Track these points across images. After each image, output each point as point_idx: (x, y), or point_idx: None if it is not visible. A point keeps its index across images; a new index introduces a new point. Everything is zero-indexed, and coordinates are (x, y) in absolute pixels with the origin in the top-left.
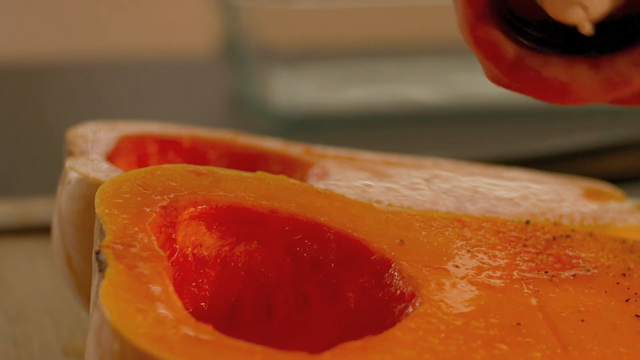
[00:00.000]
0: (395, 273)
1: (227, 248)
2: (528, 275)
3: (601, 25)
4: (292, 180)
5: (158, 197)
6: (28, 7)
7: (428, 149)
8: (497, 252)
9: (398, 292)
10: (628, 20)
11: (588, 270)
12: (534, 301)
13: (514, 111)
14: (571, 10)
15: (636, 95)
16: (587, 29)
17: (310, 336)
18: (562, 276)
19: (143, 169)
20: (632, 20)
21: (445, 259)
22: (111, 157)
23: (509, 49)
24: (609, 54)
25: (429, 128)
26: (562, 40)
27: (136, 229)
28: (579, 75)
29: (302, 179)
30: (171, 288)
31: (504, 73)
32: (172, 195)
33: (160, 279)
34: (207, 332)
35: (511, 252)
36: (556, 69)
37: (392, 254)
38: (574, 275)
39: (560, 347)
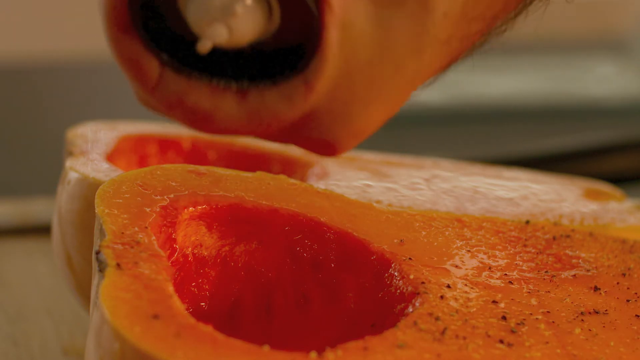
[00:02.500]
0: (395, 273)
1: (227, 248)
2: (528, 275)
3: (255, 54)
4: (292, 180)
5: (158, 197)
6: (28, 7)
7: (428, 149)
8: (497, 252)
9: (398, 292)
10: (281, 52)
11: (588, 270)
12: (534, 301)
13: (514, 111)
14: (214, 28)
15: (282, 131)
16: (205, 47)
17: (310, 336)
18: (562, 276)
19: (143, 169)
20: (284, 52)
21: (445, 259)
22: (111, 157)
23: (152, 68)
24: (259, 85)
25: (429, 128)
26: (211, 63)
27: (136, 229)
28: (223, 105)
29: (302, 179)
30: (171, 288)
31: (149, 94)
32: (172, 195)
33: (160, 279)
34: (207, 332)
35: (511, 252)
36: (199, 96)
37: (392, 254)
38: (574, 275)
39: (560, 347)
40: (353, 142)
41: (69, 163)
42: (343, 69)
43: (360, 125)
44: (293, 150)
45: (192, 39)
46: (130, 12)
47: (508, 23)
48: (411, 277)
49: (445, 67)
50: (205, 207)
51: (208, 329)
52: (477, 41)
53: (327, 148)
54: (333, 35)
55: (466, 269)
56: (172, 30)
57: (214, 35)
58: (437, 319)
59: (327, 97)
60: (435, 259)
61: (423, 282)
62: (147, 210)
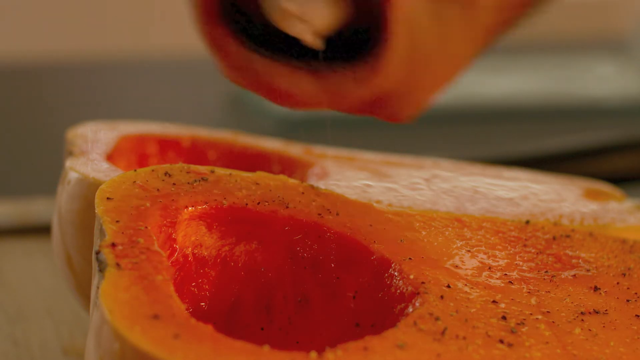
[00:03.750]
0: (395, 273)
1: (227, 248)
2: (528, 275)
3: (336, 35)
4: (292, 180)
5: (158, 197)
6: (28, 7)
7: (428, 149)
8: (497, 252)
9: (398, 292)
10: (356, 33)
11: (588, 270)
12: (534, 301)
13: (514, 111)
14: (291, 23)
15: (354, 106)
16: (309, 40)
17: (310, 336)
18: (562, 276)
19: (143, 169)
20: (360, 33)
21: (445, 259)
22: (111, 157)
23: (238, 52)
24: (331, 66)
25: (429, 128)
26: (293, 44)
27: (136, 229)
28: (300, 83)
29: (302, 179)
30: (171, 288)
31: (232, 72)
32: (172, 196)
33: (160, 279)
34: (207, 332)
35: (511, 252)
36: (280, 76)
37: (392, 254)
38: (574, 275)
39: (560, 347)
40: (414, 115)
41: (69, 163)
42: (405, 56)
43: (420, 103)
44: (293, 150)
45: (269, 24)
46: (218, 2)
47: (532, 13)
48: (411, 277)
49: (482, 52)
50: (205, 207)
51: (208, 329)
52: (505, 29)
53: (393, 118)
54: (398, 29)
55: (466, 269)
56: (252, 16)
57: (292, 28)
58: (437, 319)
59: (392, 81)
60: (435, 259)
61: (423, 282)
62: (147, 210)
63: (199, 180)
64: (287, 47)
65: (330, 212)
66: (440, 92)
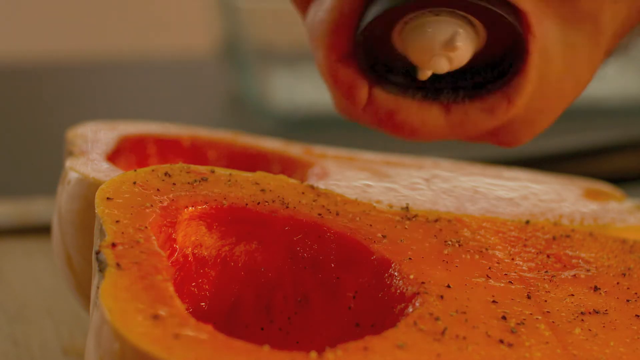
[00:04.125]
0: (395, 273)
1: (227, 248)
2: (528, 275)
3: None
4: (292, 180)
5: (158, 197)
6: (28, 7)
7: (428, 149)
8: (497, 252)
9: (398, 292)
10: (483, 67)
11: (588, 270)
12: (534, 301)
13: None
14: (436, 61)
15: (478, 135)
16: (425, 76)
17: (310, 336)
18: (562, 276)
19: (143, 169)
20: (487, 67)
21: (445, 259)
22: (111, 157)
23: (364, 89)
24: (462, 99)
25: None
26: (416, 80)
27: (136, 229)
28: (429, 119)
29: (302, 179)
30: (171, 288)
31: (358, 110)
32: (172, 195)
33: (160, 279)
34: (207, 332)
35: (511, 252)
36: (409, 112)
37: (392, 253)
38: (574, 275)
39: (560, 347)
40: (531, 139)
41: (69, 163)
42: (538, 84)
43: (543, 128)
44: (293, 150)
45: (397, 59)
46: (351, 40)
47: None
48: (411, 277)
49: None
50: (205, 207)
51: (208, 329)
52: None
53: (511, 144)
54: (535, 58)
55: (466, 269)
56: (379, 54)
57: (437, 67)
58: (437, 319)
59: (522, 109)
60: (436, 259)
61: (423, 282)
62: (147, 210)
63: (199, 180)
64: (410, 81)
65: (330, 212)
66: (559, 115)
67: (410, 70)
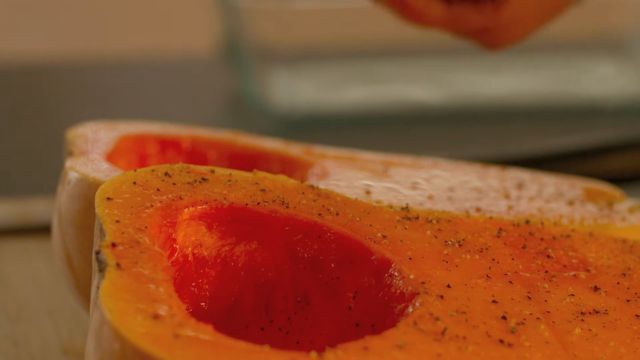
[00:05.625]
0: (396, 273)
1: (227, 248)
2: (528, 275)
3: None
4: (292, 180)
5: (158, 197)
6: (28, 7)
7: (428, 149)
8: (497, 252)
9: (398, 292)
10: None
11: (588, 270)
12: (534, 301)
13: (514, 111)
14: None
15: (468, 32)
16: None
17: (310, 336)
18: (562, 276)
19: (143, 169)
20: None
21: (445, 259)
22: (111, 157)
23: None
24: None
25: (429, 128)
26: None
27: (136, 229)
28: (433, 9)
29: (302, 179)
30: (171, 288)
31: None
32: (172, 195)
33: (160, 279)
34: (207, 332)
35: (511, 252)
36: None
37: (392, 253)
38: (574, 275)
39: (561, 347)
40: (509, 46)
41: (69, 163)
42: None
43: (517, 37)
44: (293, 150)
45: None
46: None
47: None
48: (411, 277)
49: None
50: (205, 207)
51: (208, 329)
52: None
53: (492, 46)
54: None
55: (466, 269)
56: None
57: None
58: (437, 319)
59: (506, 16)
60: (435, 259)
61: (423, 282)
62: (147, 210)
63: (199, 180)
64: None
65: (330, 212)
66: (537, 30)
67: None
